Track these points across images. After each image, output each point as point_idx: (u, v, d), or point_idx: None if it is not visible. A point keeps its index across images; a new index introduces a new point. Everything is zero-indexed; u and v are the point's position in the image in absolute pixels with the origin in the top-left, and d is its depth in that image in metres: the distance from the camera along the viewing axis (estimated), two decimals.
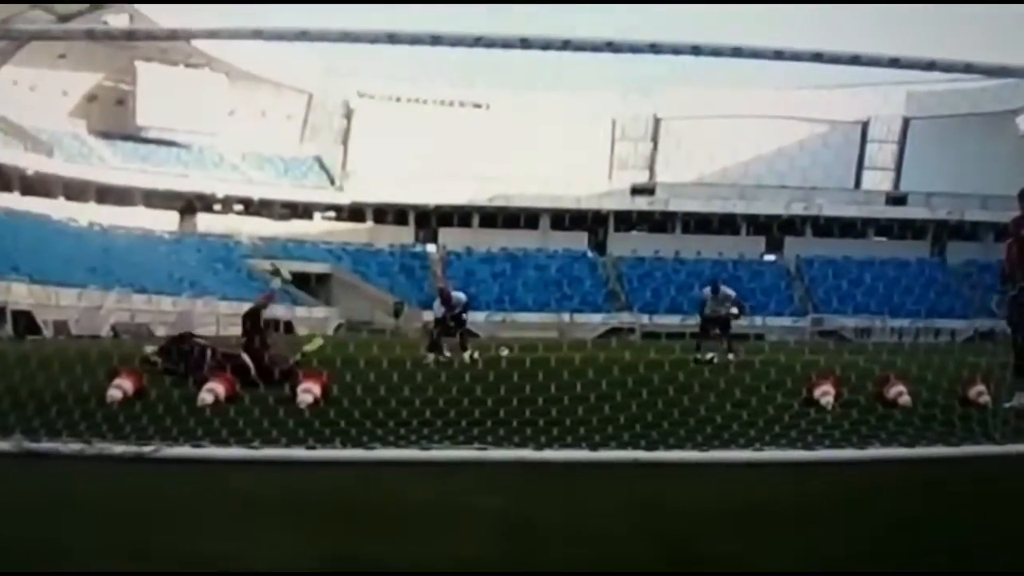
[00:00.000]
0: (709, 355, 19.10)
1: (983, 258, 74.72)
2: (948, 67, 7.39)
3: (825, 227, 79.45)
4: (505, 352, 17.64)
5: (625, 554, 3.59)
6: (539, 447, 5.92)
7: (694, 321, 22.20)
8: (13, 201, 62.02)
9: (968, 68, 7.45)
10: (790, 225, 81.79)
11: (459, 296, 21.20)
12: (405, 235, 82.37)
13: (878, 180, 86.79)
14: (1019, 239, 9.45)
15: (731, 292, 22.15)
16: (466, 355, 18.77)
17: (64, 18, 61.73)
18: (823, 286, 73.89)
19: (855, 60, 7.22)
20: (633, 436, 6.37)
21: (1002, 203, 75.07)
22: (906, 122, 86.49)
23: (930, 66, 7.39)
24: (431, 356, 18.31)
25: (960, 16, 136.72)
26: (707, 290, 22.07)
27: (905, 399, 8.73)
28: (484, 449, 5.84)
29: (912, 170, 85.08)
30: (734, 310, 21.66)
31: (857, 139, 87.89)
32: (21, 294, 41.21)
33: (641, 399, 8.16)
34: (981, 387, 8.88)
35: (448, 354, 19.01)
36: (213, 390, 8.49)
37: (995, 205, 76.78)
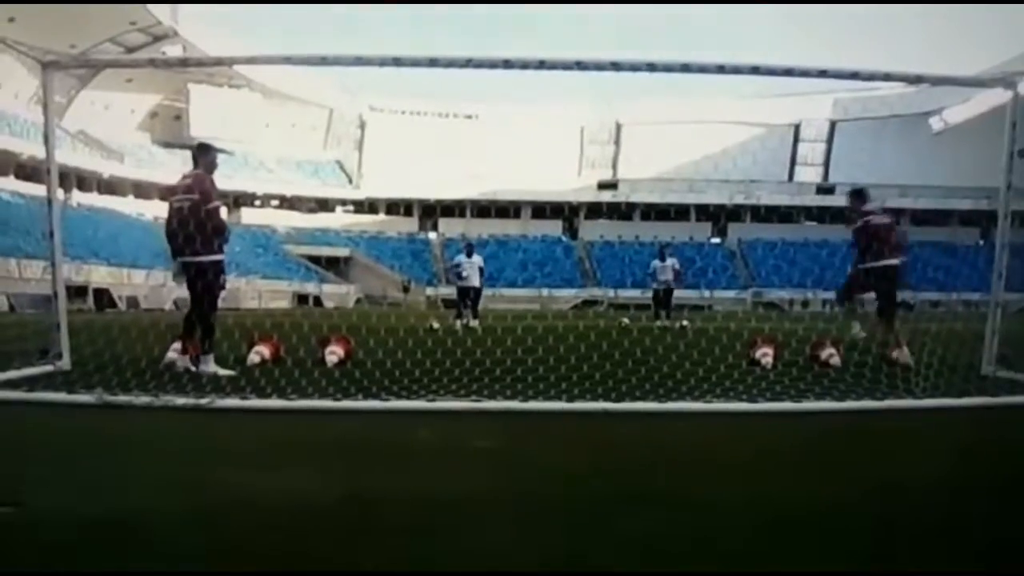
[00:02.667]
0: (683, 322, 18.36)
1: (901, 239, 75.04)
2: (869, 76, 7.37)
3: (763, 214, 79.40)
4: (626, 322, 17.52)
5: (592, 488, 3.63)
6: (525, 399, 5.92)
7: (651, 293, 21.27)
8: (93, 200, 62.62)
9: (887, 77, 7.45)
10: (733, 213, 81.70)
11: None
12: (411, 224, 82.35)
13: (809, 174, 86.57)
14: (865, 226, 9.66)
15: (675, 261, 21.08)
16: (476, 322, 18.04)
17: (131, 50, 62.13)
18: (762, 265, 73.89)
19: (788, 72, 7.23)
20: (605, 390, 6.37)
21: (917, 191, 75.77)
22: (833, 124, 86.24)
23: (853, 76, 7.37)
24: (459, 323, 17.74)
25: (881, 30, 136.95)
26: (656, 261, 21.15)
27: (835, 360, 8.68)
28: (480, 400, 5.86)
29: (839, 165, 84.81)
30: (669, 276, 20.62)
31: (790, 140, 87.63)
32: (100, 275, 41.57)
33: (613, 359, 8.18)
34: (903, 349, 8.86)
35: (475, 322, 18.09)
36: (260, 352, 8.45)
37: (911, 193, 77.11)
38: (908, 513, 3.20)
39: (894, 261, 9.72)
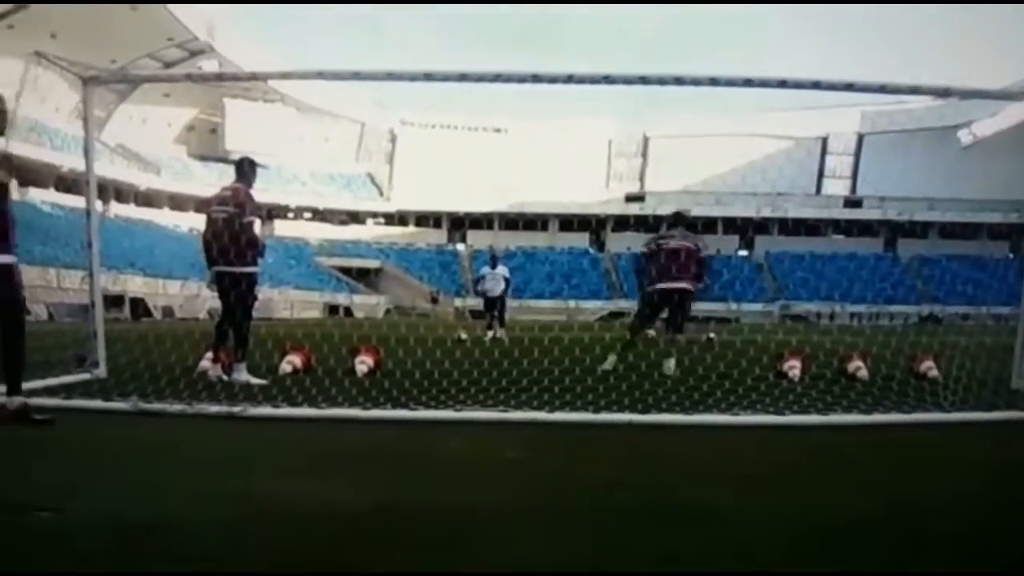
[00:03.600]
0: (710, 334, 18.25)
1: (929, 253, 74.39)
2: (897, 89, 7.31)
3: (791, 227, 79.00)
4: (652, 334, 17.35)
5: (620, 499, 3.61)
6: (552, 410, 5.91)
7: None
8: (130, 211, 63.44)
9: (914, 90, 7.38)
10: (761, 226, 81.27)
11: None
12: (440, 236, 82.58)
13: (837, 187, 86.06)
14: (651, 253, 10.06)
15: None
16: (502, 332, 18.08)
17: (168, 65, 63.09)
18: (790, 278, 73.37)
19: (816, 85, 7.19)
20: (631, 401, 6.34)
21: (945, 205, 75.14)
22: (860, 137, 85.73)
23: (881, 89, 7.33)
24: (489, 334, 17.82)
25: (909, 43, 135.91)
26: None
27: (863, 373, 8.60)
28: (506, 411, 5.86)
29: (866, 178, 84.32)
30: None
31: (818, 152, 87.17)
32: (136, 285, 42.13)
33: (639, 371, 8.15)
34: (930, 363, 8.77)
35: (501, 332, 18.15)
36: (292, 362, 8.49)
37: (940, 207, 76.42)
38: (935, 527, 3.15)
39: (678, 285, 9.77)
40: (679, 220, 10.54)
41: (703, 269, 10.14)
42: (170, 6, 57.16)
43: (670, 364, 9.22)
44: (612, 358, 9.42)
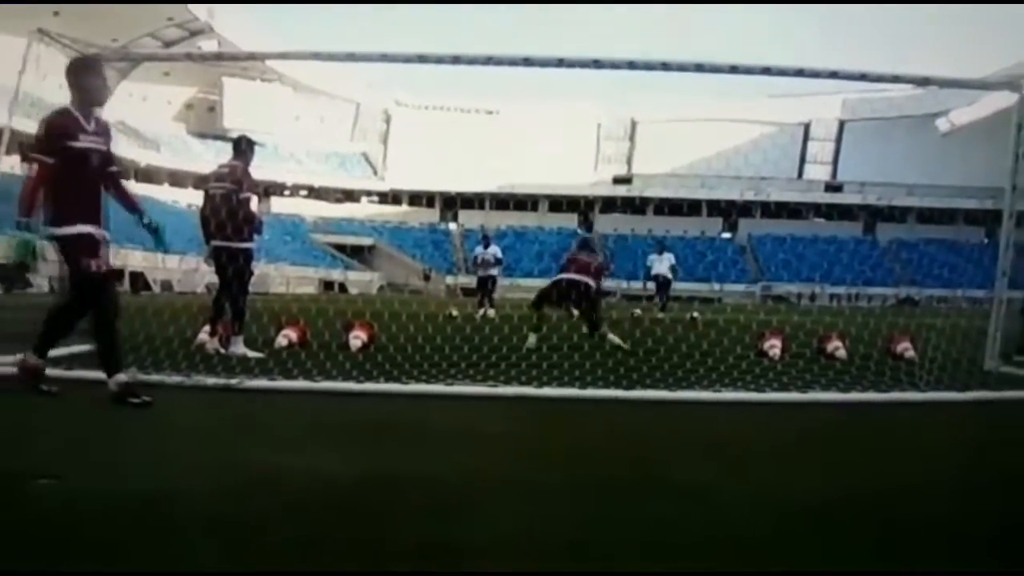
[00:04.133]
0: (694, 314, 18.31)
1: (907, 237, 74.57)
2: (878, 78, 7.32)
3: (773, 211, 79.13)
4: (638, 312, 17.39)
5: (604, 472, 3.63)
6: (540, 385, 5.93)
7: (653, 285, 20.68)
8: (130, 187, 62.42)
9: (895, 79, 7.38)
10: (744, 209, 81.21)
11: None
12: (432, 216, 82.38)
13: (818, 172, 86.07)
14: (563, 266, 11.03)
15: (671, 256, 20.42)
16: (492, 311, 17.91)
17: (168, 44, 62.51)
18: (771, 260, 73.47)
19: (799, 73, 7.18)
20: (617, 377, 6.37)
21: (923, 191, 75.33)
22: (842, 124, 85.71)
23: (862, 77, 7.34)
24: (481, 311, 17.77)
25: (890, 32, 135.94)
26: (652, 255, 20.38)
27: (842, 353, 8.63)
28: (495, 386, 5.87)
29: (847, 163, 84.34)
30: (665, 269, 19.95)
31: (800, 138, 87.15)
32: (136, 259, 41.88)
33: (625, 348, 8.16)
34: (907, 344, 8.78)
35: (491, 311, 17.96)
36: (288, 336, 8.48)
37: (918, 192, 76.57)
38: (912, 504, 3.18)
39: (580, 278, 10.45)
40: (585, 245, 12.28)
41: (600, 277, 10.96)
42: None
43: (613, 337, 9.69)
44: (533, 337, 9.53)
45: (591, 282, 10.38)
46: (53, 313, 5.20)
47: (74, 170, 4.97)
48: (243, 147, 8.29)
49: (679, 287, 21.15)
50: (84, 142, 5.02)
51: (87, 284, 5.03)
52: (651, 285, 20.16)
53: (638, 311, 18.75)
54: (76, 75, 5.11)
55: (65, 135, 4.93)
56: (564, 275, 10.56)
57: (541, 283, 12.16)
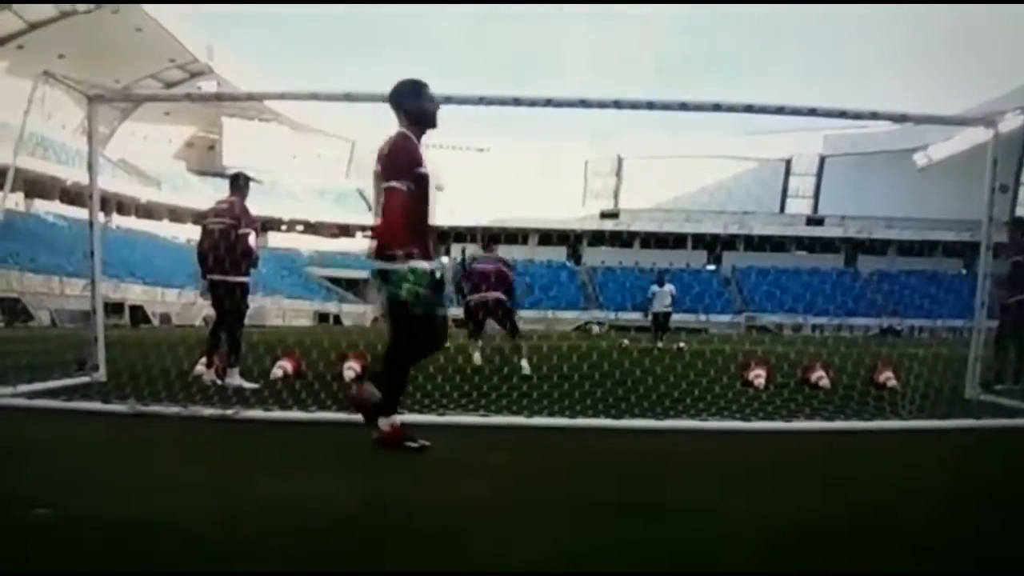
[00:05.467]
0: (680, 344, 18.46)
1: (888, 268, 74.91)
2: (857, 115, 7.33)
3: (756, 244, 79.26)
4: (626, 343, 17.36)
5: (594, 498, 3.60)
6: (531, 414, 5.91)
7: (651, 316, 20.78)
8: (131, 223, 63.19)
9: (874, 115, 7.40)
10: (728, 242, 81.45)
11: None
12: None
13: (800, 206, 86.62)
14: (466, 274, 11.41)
15: (672, 287, 20.57)
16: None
17: (169, 85, 62.90)
18: (755, 291, 73.59)
19: (780, 110, 7.23)
20: (606, 407, 6.35)
21: (902, 224, 75.80)
22: (822, 159, 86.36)
23: (842, 114, 7.36)
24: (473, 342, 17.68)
25: (868, 70, 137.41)
26: (654, 286, 20.42)
27: (825, 382, 8.59)
28: (487, 415, 5.84)
29: (828, 198, 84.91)
30: (668, 303, 20.08)
31: (782, 173, 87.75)
32: (136, 293, 41.96)
33: (614, 378, 8.15)
34: (889, 373, 8.75)
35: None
36: (283, 367, 8.47)
37: (897, 225, 77.06)
38: (894, 530, 3.17)
39: (489, 295, 11.01)
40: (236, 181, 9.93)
41: (507, 283, 11.27)
42: (172, 30, 57.13)
43: (524, 364, 9.87)
44: (477, 355, 10.57)
45: (500, 296, 10.95)
46: (391, 359, 4.64)
47: (424, 197, 4.60)
48: (241, 183, 8.30)
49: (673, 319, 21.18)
50: (426, 167, 4.66)
51: (422, 323, 4.53)
52: (653, 313, 20.14)
53: (626, 341, 18.78)
54: (409, 98, 4.76)
55: (416, 160, 4.61)
56: (474, 297, 11.04)
57: (531, 315, 12.37)
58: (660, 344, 18.62)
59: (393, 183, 4.48)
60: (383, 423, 4.50)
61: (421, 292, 4.39)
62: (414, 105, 4.72)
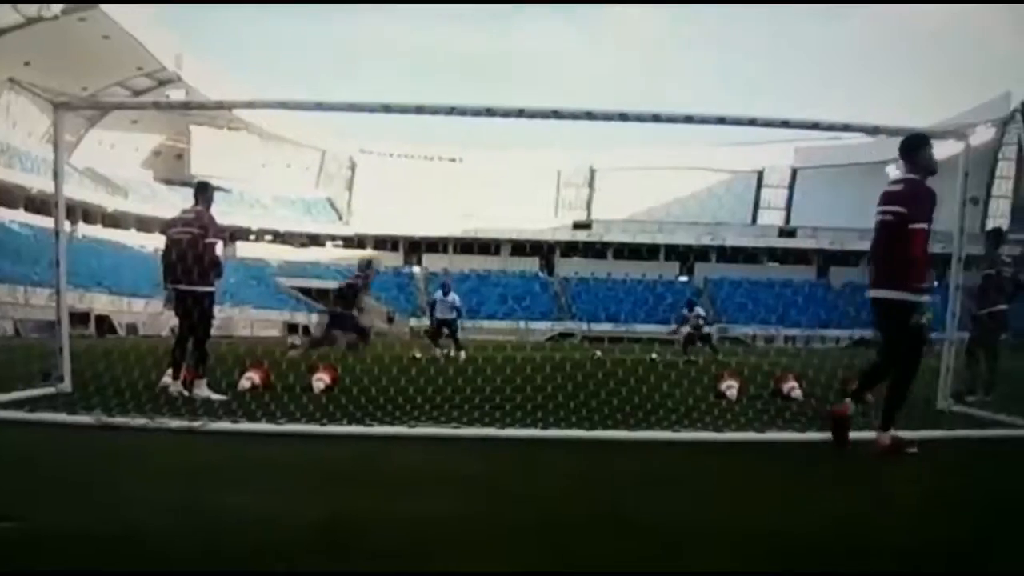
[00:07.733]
0: (695, 357, 19.05)
1: (860, 280, 75.61)
2: (829, 127, 7.41)
3: (729, 255, 79.84)
4: (599, 354, 17.59)
5: (566, 511, 3.61)
6: (503, 426, 5.90)
7: (625, 328, 22.02)
8: (98, 232, 62.49)
9: (846, 127, 7.48)
10: (700, 253, 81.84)
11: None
12: (397, 259, 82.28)
13: (772, 217, 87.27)
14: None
15: (701, 310, 22.43)
16: (462, 354, 17.48)
17: (137, 93, 62.63)
18: (728, 302, 74.04)
19: (752, 122, 7.29)
20: (578, 419, 6.35)
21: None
22: (794, 171, 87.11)
23: (814, 126, 7.43)
24: (439, 352, 17.64)
25: (841, 83, 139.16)
26: (684, 309, 22.21)
27: (797, 393, 8.66)
28: (459, 427, 5.83)
29: (800, 209, 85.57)
30: (702, 322, 21.78)
31: (754, 185, 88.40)
32: (102, 302, 41.48)
33: (587, 390, 8.16)
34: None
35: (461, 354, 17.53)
36: (251, 378, 8.37)
37: (869, 237, 77.22)
38: (866, 540, 3.19)
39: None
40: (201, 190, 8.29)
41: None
42: (140, 38, 56.70)
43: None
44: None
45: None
46: (903, 381, 5.42)
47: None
48: (207, 192, 8.21)
49: (640, 329, 21.89)
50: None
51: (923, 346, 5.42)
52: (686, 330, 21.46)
53: (599, 353, 18.82)
54: (917, 151, 5.61)
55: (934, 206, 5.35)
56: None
57: (504, 325, 12.31)
58: (689, 357, 18.92)
59: (920, 224, 5.34)
60: (884, 437, 5.28)
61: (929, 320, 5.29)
62: (919, 157, 5.59)
